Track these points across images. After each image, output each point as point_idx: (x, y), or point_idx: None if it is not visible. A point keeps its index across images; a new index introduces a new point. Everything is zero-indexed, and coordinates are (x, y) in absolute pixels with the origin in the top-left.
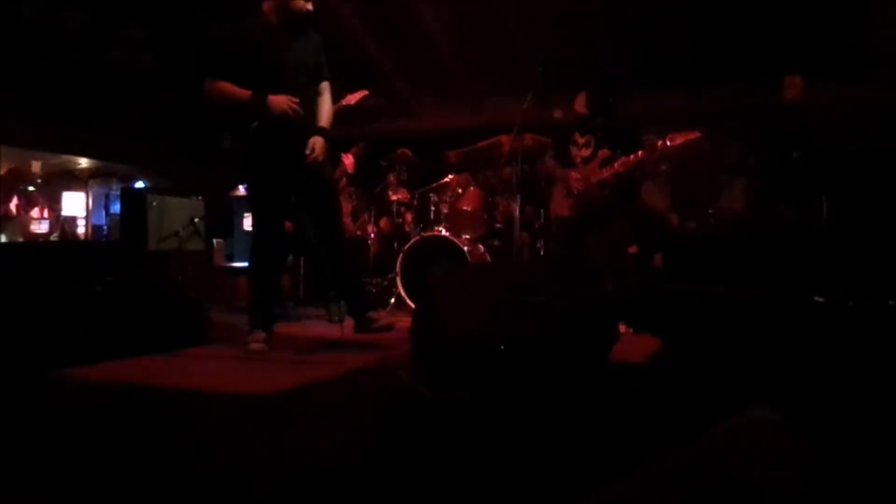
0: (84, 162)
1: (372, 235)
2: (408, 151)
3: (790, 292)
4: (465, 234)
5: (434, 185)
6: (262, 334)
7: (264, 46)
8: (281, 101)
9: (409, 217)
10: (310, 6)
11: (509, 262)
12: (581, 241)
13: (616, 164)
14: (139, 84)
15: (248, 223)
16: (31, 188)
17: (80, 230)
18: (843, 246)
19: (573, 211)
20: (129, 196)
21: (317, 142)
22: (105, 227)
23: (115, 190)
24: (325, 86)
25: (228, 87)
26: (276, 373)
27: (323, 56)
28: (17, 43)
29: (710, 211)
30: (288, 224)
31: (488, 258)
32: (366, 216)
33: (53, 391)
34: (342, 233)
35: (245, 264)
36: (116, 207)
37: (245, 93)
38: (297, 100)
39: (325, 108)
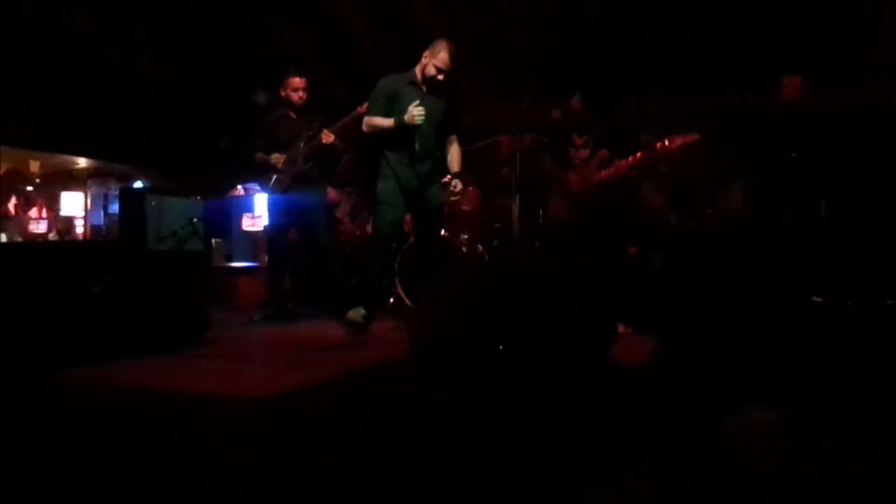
0: (83, 162)
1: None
2: None
3: (789, 292)
4: (464, 234)
5: None
6: (363, 311)
7: (403, 97)
8: (410, 113)
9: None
10: (440, 77)
11: (507, 262)
12: (580, 242)
13: (614, 165)
14: (138, 84)
15: (246, 223)
16: (29, 188)
17: (79, 230)
18: (842, 246)
19: (572, 212)
20: (127, 196)
21: (456, 182)
22: (103, 227)
23: (114, 190)
24: (454, 137)
25: (377, 119)
26: (275, 374)
27: (455, 116)
28: (16, 42)
29: (709, 211)
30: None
31: (487, 258)
32: (365, 216)
33: (52, 391)
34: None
35: (244, 264)
36: (115, 207)
37: (388, 121)
38: (422, 110)
39: (456, 156)
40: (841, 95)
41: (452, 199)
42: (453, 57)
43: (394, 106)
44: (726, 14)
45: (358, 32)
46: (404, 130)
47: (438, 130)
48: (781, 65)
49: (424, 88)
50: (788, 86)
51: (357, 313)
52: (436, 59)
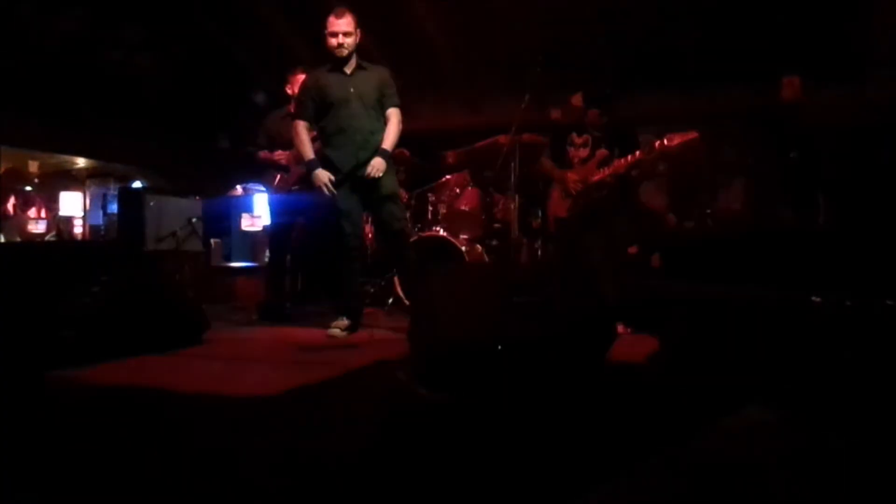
0: (81, 162)
1: (370, 235)
2: (405, 151)
3: (788, 292)
4: (463, 234)
5: (432, 185)
6: (346, 321)
7: (329, 86)
8: (320, 177)
9: (406, 217)
10: (340, 42)
11: (507, 263)
12: (579, 242)
13: (613, 165)
14: (136, 84)
15: (245, 223)
16: (28, 188)
17: (78, 230)
18: (841, 246)
19: (571, 211)
20: (126, 196)
21: (375, 162)
22: (102, 228)
23: (113, 190)
24: (392, 112)
25: (302, 138)
26: (274, 373)
27: (389, 87)
28: (15, 42)
29: (708, 211)
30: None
31: (486, 258)
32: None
33: (52, 391)
34: (403, 234)
35: (243, 264)
36: (114, 207)
37: (308, 153)
38: (333, 180)
39: (389, 132)
40: (840, 95)
41: (367, 177)
42: (340, 15)
43: (323, 99)
44: (726, 14)
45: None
46: (338, 120)
47: (374, 108)
48: (781, 64)
49: (347, 70)
50: (788, 86)
51: (337, 329)
52: (326, 31)
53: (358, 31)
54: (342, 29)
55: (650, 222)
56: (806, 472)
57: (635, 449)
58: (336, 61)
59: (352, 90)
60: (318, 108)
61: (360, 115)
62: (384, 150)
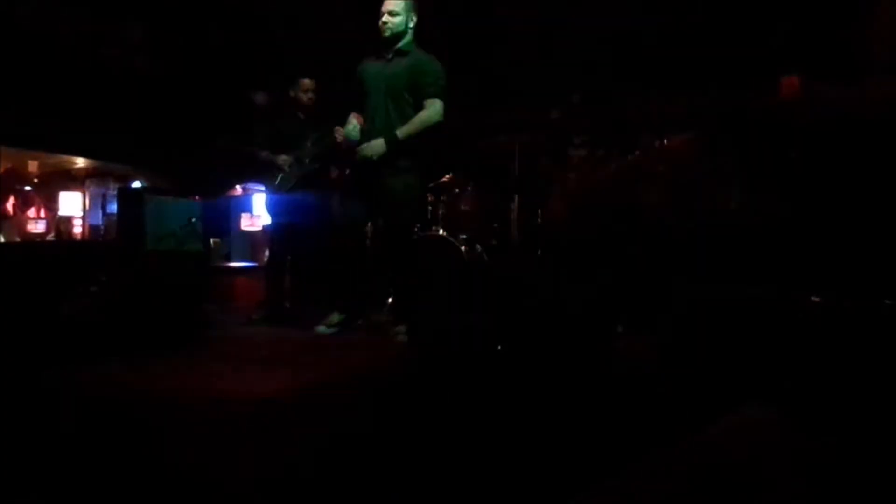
0: (81, 162)
1: (369, 235)
2: None
3: (787, 292)
4: (463, 234)
5: (431, 185)
6: (337, 318)
7: (366, 73)
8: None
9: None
10: (384, 19)
11: (506, 263)
12: (578, 242)
13: (613, 165)
14: (136, 84)
15: (245, 223)
16: (27, 188)
17: (77, 230)
18: (840, 246)
19: (570, 212)
20: (125, 196)
21: (373, 142)
22: (102, 227)
23: (112, 190)
24: (427, 102)
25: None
26: (274, 373)
27: (425, 75)
28: (14, 42)
29: (706, 211)
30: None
31: (486, 258)
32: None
33: (52, 391)
34: (397, 243)
35: (243, 264)
36: (113, 207)
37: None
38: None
39: (414, 120)
40: (840, 95)
41: (364, 155)
42: None
43: (361, 86)
44: (726, 13)
45: (356, 31)
46: (365, 110)
47: (400, 99)
48: (780, 64)
49: (387, 55)
50: (787, 85)
51: (323, 326)
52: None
53: (411, 14)
54: (387, 8)
55: (650, 222)
56: (804, 471)
57: (634, 448)
58: (381, 45)
59: (382, 78)
60: (362, 96)
61: (380, 106)
62: (390, 135)
